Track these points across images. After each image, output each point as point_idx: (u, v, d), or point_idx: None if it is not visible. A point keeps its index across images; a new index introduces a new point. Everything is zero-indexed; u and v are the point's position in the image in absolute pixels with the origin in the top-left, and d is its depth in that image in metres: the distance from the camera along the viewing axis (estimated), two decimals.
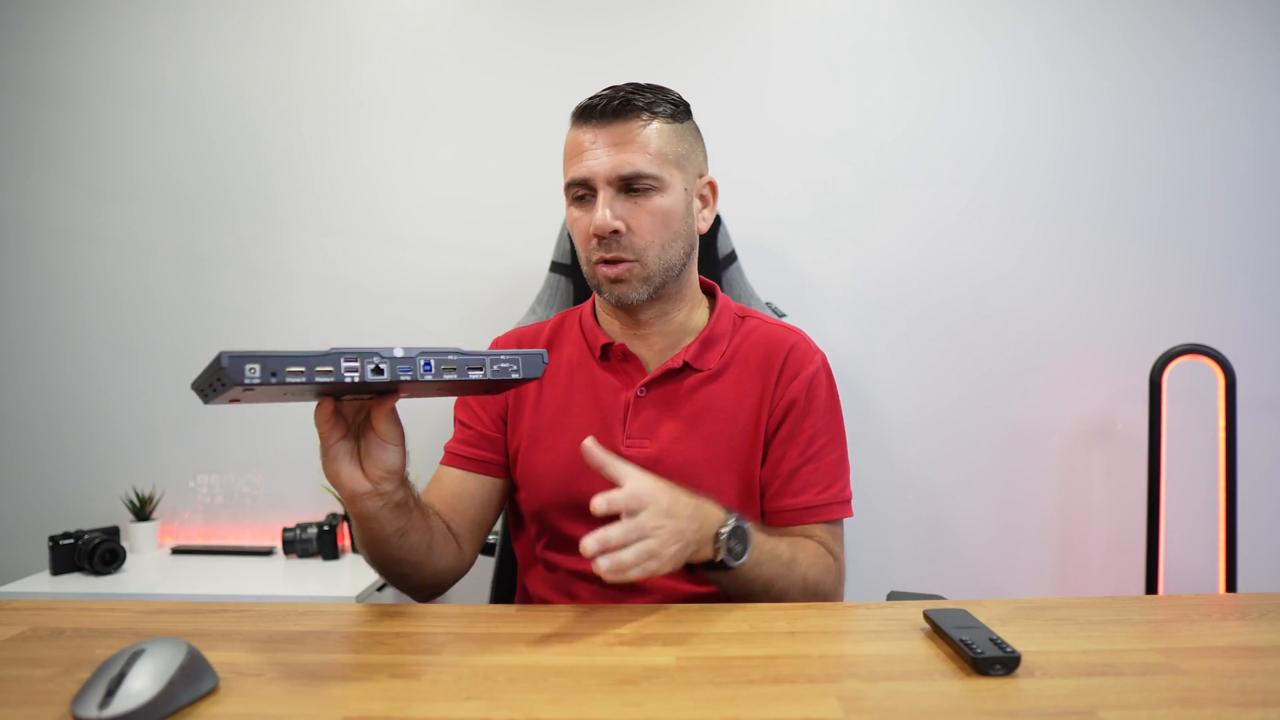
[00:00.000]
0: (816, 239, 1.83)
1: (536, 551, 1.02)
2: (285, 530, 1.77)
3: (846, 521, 1.00)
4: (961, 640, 0.64)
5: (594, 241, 0.94)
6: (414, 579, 0.90)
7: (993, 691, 0.58)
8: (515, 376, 0.70)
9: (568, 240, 1.47)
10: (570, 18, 1.86)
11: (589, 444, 0.77)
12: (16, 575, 1.72)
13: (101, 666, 0.56)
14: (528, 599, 1.05)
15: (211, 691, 0.58)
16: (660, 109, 0.95)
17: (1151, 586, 1.67)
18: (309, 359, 0.61)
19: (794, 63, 1.85)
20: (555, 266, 1.50)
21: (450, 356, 0.66)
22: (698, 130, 1.01)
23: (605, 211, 0.92)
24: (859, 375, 1.85)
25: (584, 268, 0.98)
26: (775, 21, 1.85)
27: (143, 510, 1.81)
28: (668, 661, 0.64)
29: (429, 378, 0.65)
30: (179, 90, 1.89)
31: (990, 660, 0.61)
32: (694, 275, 1.04)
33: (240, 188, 1.89)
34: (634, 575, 0.74)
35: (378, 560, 0.86)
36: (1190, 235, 1.84)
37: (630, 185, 0.93)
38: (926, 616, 0.72)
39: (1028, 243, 1.85)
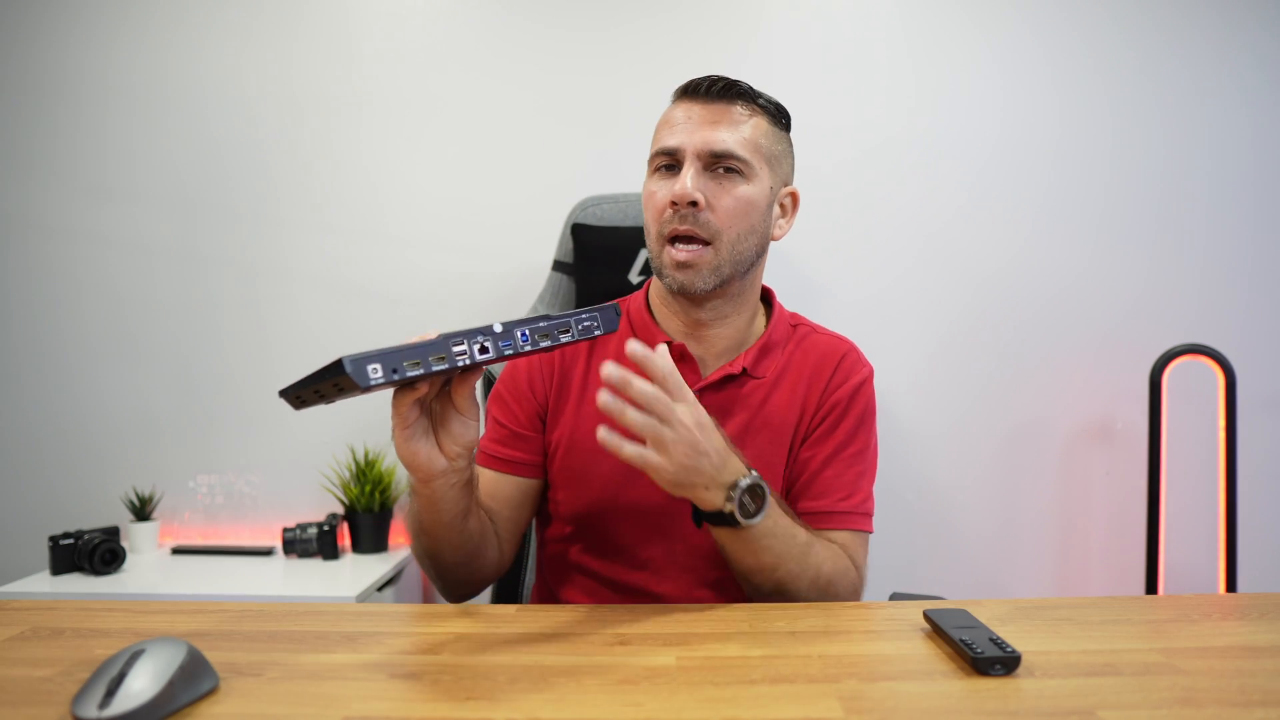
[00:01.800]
0: (813, 237, 1.83)
1: (571, 556, 0.99)
2: (285, 530, 1.77)
3: None
4: (961, 640, 0.64)
5: (669, 213, 0.92)
6: (462, 572, 0.88)
7: (993, 691, 0.58)
8: (598, 333, 0.71)
9: (570, 240, 1.47)
10: (573, 19, 1.86)
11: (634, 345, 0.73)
12: (16, 575, 1.72)
13: (101, 666, 0.56)
14: (552, 602, 1.03)
15: (211, 691, 0.58)
16: (763, 104, 0.96)
17: (1151, 586, 1.67)
18: (421, 350, 0.62)
19: (795, 62, 1.85)
20: (558, 266, 1.50)
21: (541, 324, 0.68)
22: (791, 143, 1.01)
23: (689, 181, 0.90)
24: None
25: (651, 247, 0.95)
26: (777, 22, 1.85)
27: (143, 510, 1.81)
28: (668, 661, 0.64)
29: (527, 349, 0.67)
30: (180, 90, 1.88)
31: (990, 660, 0.61)
32: (759, 281, 1.02)
33: (242, 188, 1.89)
34: (628, 451, 0.73)
35: (435, 547, 0.84)
36: (1189, 235, 1.84)
37: (718, 165, 0.92)
38: (926, 616, 0.72)
39: (1026, 241, 1.85)
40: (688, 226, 0.91)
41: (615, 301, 0.74)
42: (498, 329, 0.65)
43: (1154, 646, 0.68)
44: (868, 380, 1.00)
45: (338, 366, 0.58)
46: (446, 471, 0.75)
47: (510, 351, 0.66)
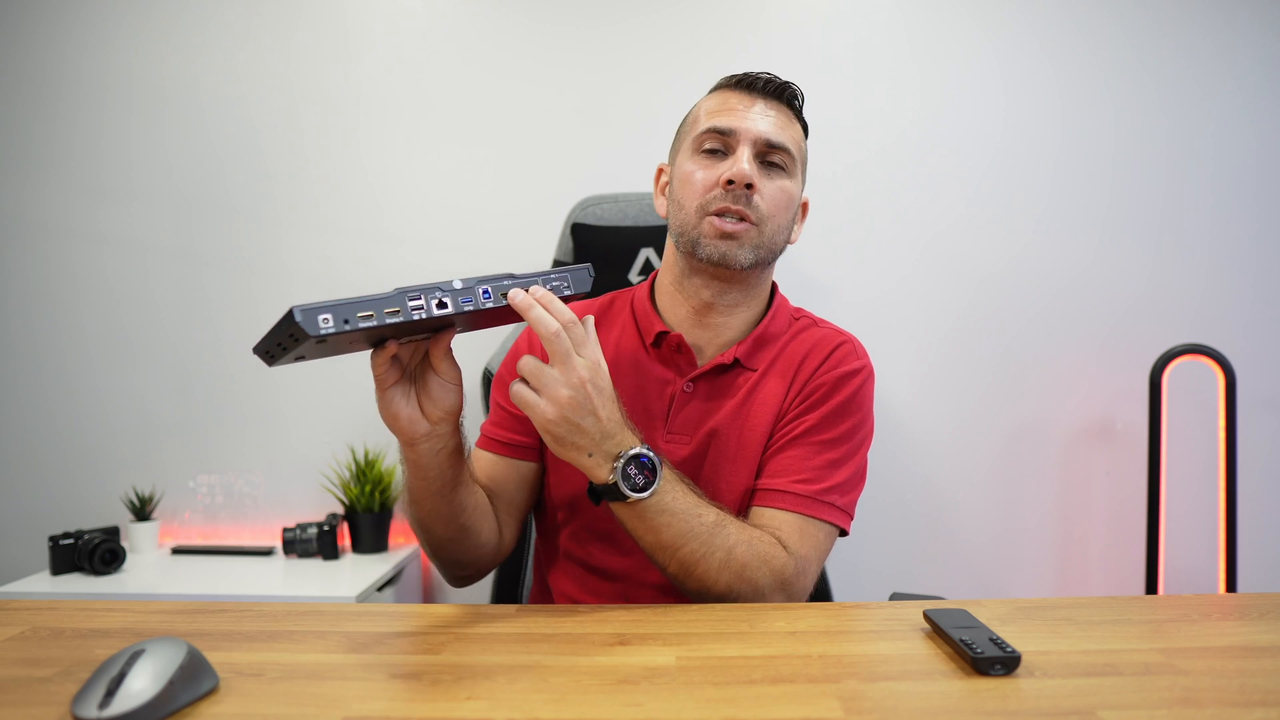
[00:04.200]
0: (815, 237, 1.83)
1: (561, 542, 1.00)
2: (285, 530, 1.77)
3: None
4: (961, 640, 0.64)
5: (718, 191, 0.91)
6: (457, 548, 0.88)
7: (993, 691, 0.58)
8: (568, 293, 0.71)
9: (569, 239, 1.47)
10: (571, 18, 1.86)
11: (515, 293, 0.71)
12: (16, 575, 1.72)
13: (101, 666, 0.56)
14: (546, 593, 1.04)
15: (211, 691, 0.58)
16: (802, 117, 0.99)
17: (1151, 586, 1.67)
18: (376, 302, 0.62)
19: (795, 62, 1.85)
20: (557, 265, 1.50)
21: (505, 281, 0.68)
22: None
23: (748, 164, 0.90)
24: None
25: (688, 220, 0.93)
26: (776, 21, 1.85)
27: (143, 510, 1.81)
28: (668, 661, 0.64)
29: (489, 305, 0.66)
30: (178, 90, 1.89)
31: (990, 660, 0.61)
32: (771, 277, 1.03)
33: (239, 188, 1.89)
34: (511, 387, 0.75)
35: (426, 519, 0.85)
36: (1190, 235, 1.84)
37: (769, 158, 0.93)
38: (926, 616, 0.72)
39: (1028, 242, 1.85)
40: (740, 206, 0.91)
41: (588, 264, 0.74)
42: (457, 285, 0.65)
43: (1154, 646, 0.68)
44: (860, 374, 0.97)
45: (289, 317, 0.58)
46: (429, 435, 0.76)
47: (471, 307, 0.65)
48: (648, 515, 0.80)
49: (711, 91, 0.99)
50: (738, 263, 0.92)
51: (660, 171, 1.04)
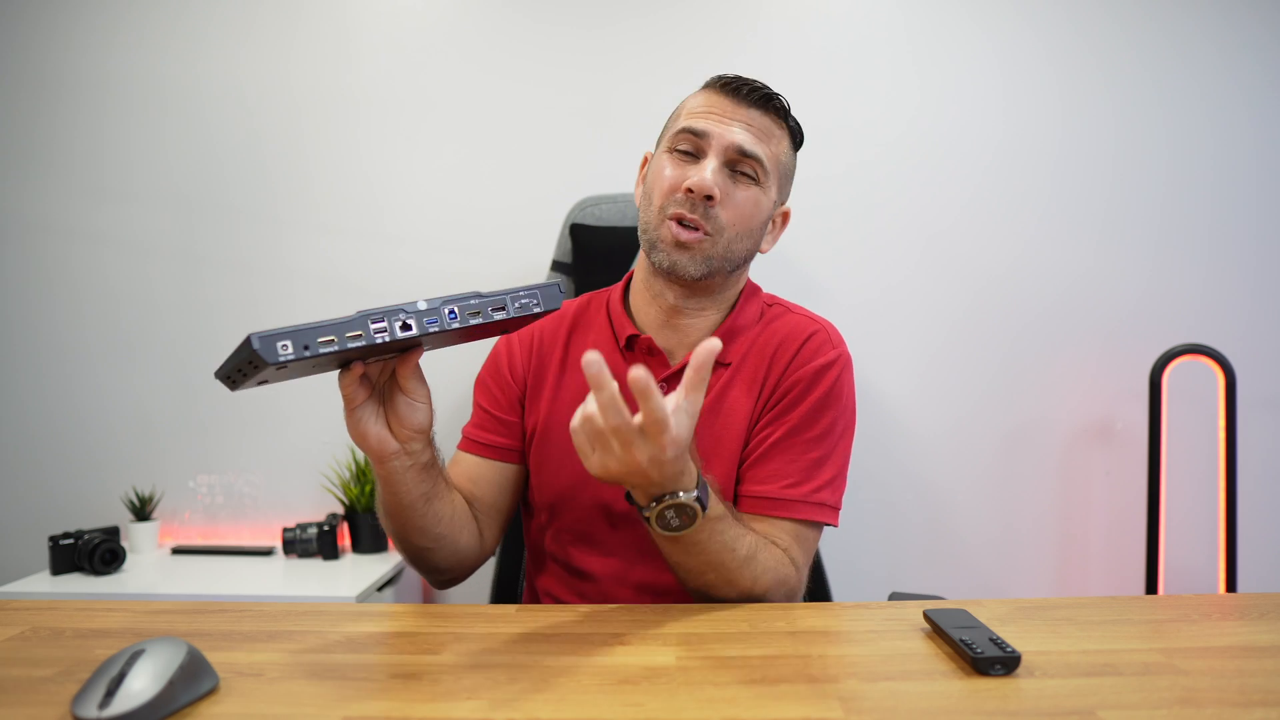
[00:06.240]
0: (815, 238, 1.83)
1: (545, 544, 0.99)
2: (285, 530, 1.77)
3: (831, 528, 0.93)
4: (961, 640, 0.64)
5: (679, 195, 0.91)
6: (435, 556, 0.88)
7: (993, 691, 0.58)
8: (537, 310, 0.69)
9: (568, 239, 1.48)
10: (571, 18, 1.86)
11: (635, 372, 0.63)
12: (16, 575, 1.72)
13: (101, 666, 0.56)
14: (534, 595, 1.04)
15: (211, 691, 0.58)
16: (791, 125, 0.98)
17: (1151, 586, 1.67)
18: (336, 327, 0.61)
19: (794, 63, 1.85)
20: (556, 266, 1.50)
21: (472, 301, 0.66)
22: (796, 166, 1.03)
23: (709, 174, 0.90)
24: (857, 375, 1.84)
25: (650, 219, 0.94)
26: (776, 21, 1.85)
27: (143, 510, 1.81)
28: (668, 661, 0.64)
29: (455, 325, 0.65)
30: (178, 90, 1.89)
31: (990, 660, 0.61)
32: (739, 284, 1.01)
33: (239, 188, 1.89)
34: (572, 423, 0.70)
35: (401, 530, 0.84)
36: (1190, 235, 1.84)
37: (739, 166, 0.92)
38: (926, 616, 0.72)
39: (1027, 242, 1.85)
40: (696, 216, 0.91)
41: (558, 279, 0.73)
42: (421, 306, 0.64)
43: (1154, 646, 0.68)
44: (836, 364, 0.95)
45: (247, 344, 0.57)
46: (399, 454, 0.75)
47: (436, 329, 0.64)
48: (680, 541, 0.78)
49: (701, 88, 0.98)
50: (687, 274, 0.92)
51: (645, 160, 1.03)
